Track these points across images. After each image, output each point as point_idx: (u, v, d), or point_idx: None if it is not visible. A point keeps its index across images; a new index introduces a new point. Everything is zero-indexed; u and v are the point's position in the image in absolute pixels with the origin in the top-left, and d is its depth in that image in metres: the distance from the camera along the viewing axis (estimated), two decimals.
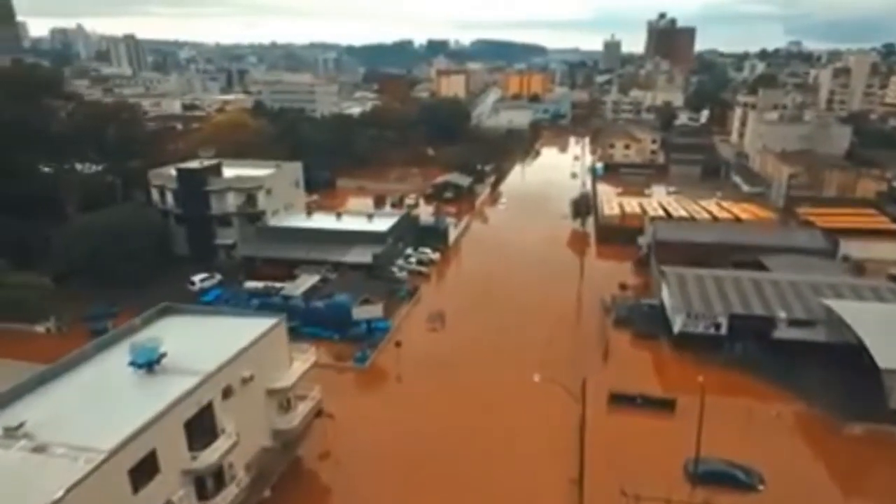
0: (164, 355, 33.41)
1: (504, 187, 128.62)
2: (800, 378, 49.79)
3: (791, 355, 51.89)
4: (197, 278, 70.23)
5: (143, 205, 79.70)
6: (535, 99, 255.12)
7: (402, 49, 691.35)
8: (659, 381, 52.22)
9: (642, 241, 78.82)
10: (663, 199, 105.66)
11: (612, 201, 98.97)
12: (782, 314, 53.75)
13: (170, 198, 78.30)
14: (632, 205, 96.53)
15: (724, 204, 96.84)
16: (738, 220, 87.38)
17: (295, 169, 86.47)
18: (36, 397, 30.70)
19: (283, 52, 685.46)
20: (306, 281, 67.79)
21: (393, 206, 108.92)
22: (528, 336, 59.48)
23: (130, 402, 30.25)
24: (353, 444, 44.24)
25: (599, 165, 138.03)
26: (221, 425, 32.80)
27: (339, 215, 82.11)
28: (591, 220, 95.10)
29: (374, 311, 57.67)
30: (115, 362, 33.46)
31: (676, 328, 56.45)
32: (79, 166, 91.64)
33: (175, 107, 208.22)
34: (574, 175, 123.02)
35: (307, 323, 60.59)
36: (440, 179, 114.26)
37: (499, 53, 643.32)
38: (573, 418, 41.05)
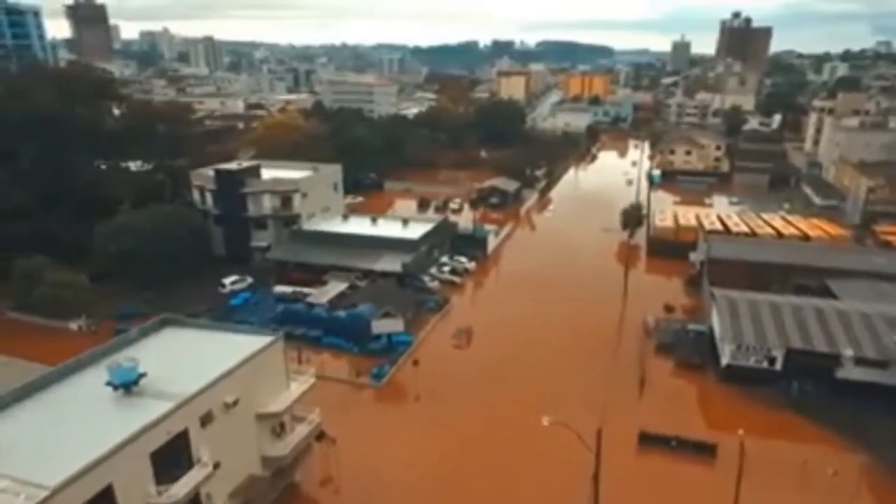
0: (142, 376, 31.06)
1: (554, 193, 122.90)
2: (867, 427, 43.06)
3: (857, 399, 45.10)
4: (227, 281, 69.08)
5: (184, 204, 79.37)
6: (595, 101, 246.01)
7: (466, 50, 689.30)
8: (700, 420, 46.40)
9: (694, 257, 72.11)
10: (724, 210, 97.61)
11: (665, 212, 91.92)
12: (849, 351, 46.79)
13: (209, 198, 77.69)
14: (687, 216, 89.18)
15: (791, 218, 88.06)
16: (805, 237, 78.88)
17: (334, 171, 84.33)
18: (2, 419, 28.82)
19: (352, 52, 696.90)
20: (333, 288, 65.25)
21: (436, 210, 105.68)
22: (558, 359, 54.67)
23: (98, 429, 27.90)
24: (357, 469, 40.99)
25: (657, 172, 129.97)
26: (198, 454, 30.09)
27: (374, 220, 79.33)
28: (643, 232, 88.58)
29: (395, 324, 54.33)
30: (94, 381, 31.29)
31: (724, 360, 50.31)
32: (132, 165, 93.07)
33: (238, 106, 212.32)
34: (629, 182, 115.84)
35: (329, 333, 58.10)
36: (485, 184, 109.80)
37: (564, 54, 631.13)
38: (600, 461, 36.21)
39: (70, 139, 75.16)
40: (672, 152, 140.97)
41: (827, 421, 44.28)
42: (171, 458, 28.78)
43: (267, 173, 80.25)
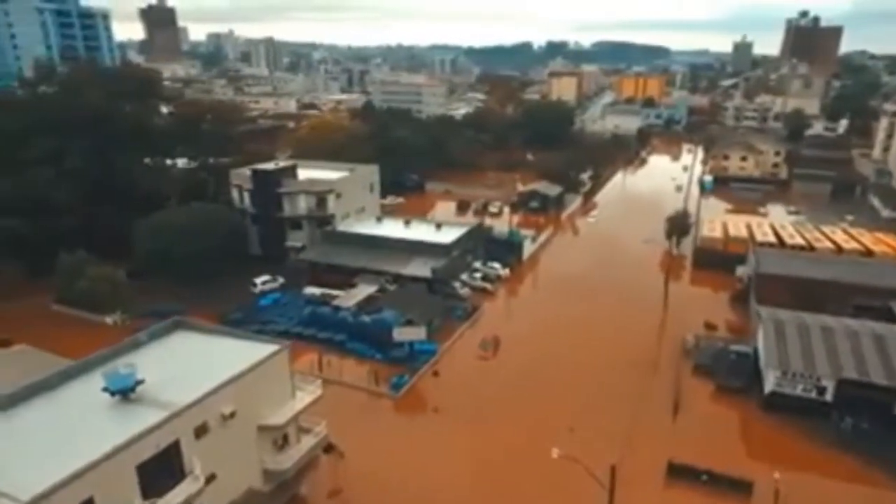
0: (140, 382, 30.12)
1: (599, 197, 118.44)
2: None
3: None
4: (259, 280, 68.80)
5: (222, 203, 79.62)
6: (649, 103, 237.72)
7: (520, 51, 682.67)
8: (736, 452, 42.36)
9: (742, 271, 67.18)
10: (779, 220, 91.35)
11: (714, 221, 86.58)
12: None
13: (247, 197, 77.79)
14: (738, 226, 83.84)
15: (854, 232, 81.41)
16: (868, 252, 72.53)
17: (370, 172, 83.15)
18: None
19: (407, 53, 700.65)
20: (361, 292, 63.93)
21: (475, 213, 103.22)
22: (588, 376, 51.50)
23: (87, 438, 26.98)
24: (366, 482, 39.33)
25: (709, 178, 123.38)
26: (190, 467, 28.89)
27: (407, 223, 77.66)
28: (690, 241, 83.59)
29: (417, 333, 52.34)
30: (96, 385, 30.51)
31: (767, 387, 46.03)
32: (179, 163, 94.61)
33: (291, 106, 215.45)
34: (678, 188, 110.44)
35: (352, 338, 56.74)
36: (527, 188, 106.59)
37: (619, 55, 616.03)
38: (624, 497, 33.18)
39: (117, 137, 76.66)
40: (726, 157, 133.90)
41: (881, 463, 39.69)
42: (161, 470, 27.65)
43: (304, 173, 79.83)
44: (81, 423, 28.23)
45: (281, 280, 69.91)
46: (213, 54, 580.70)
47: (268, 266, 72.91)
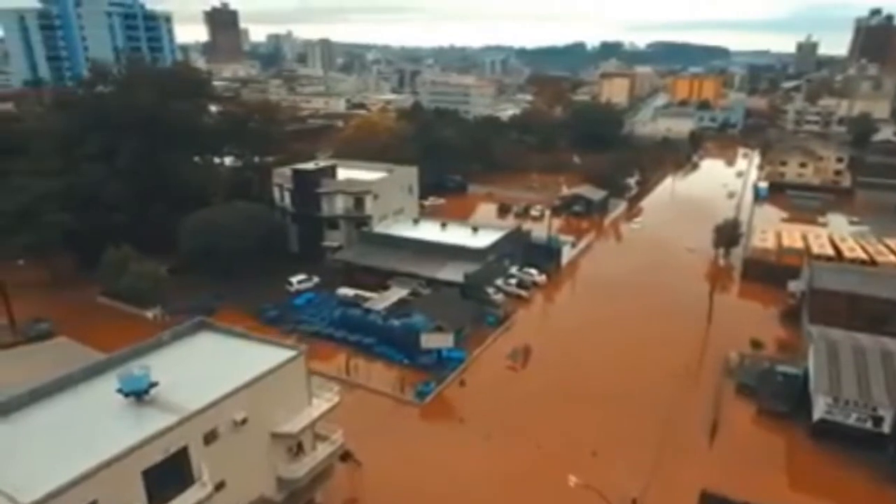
0: (154, 384, 29.80)
1: (646, 203, 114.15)
2: None
3: None
4: (295, 279, 68.90)
5: (264, 202, 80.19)
6: (704, 105, 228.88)
7: (573, 51, 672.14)
8: (778, 484, 39.20)
9: (795, 286, 62.76)
10: (839, 232, 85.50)
11: (767, 231, 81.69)
12: None
13: (287, 196, 78.19)
14: (793, 236, 78.90)
15: None
16: None
17: (409, 173, 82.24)
18: (4, 424, 28.35)
19: (459, 54, 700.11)
20: (393, 295, 63.05)
21: (516, 216, 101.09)
22: (621, 392, 48.94)
23: (96, 440, 26.70)
24: (384, 492, 38.36)
25: (763, 185, 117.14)
26: (199, 473, 28.37)
27: (444, 225, 76.35)
28: (741, 252, 79.12)
29: (445, 340, 50.99)
30: (110, 386, 30.39)
31: (816, 413, 42.49)
32: (227, 161, 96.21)
33: (340, 106, 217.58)
34: (730, 195, 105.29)
35: (381, 341, 55.87)
36: (570, 191, 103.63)
37: (675, 56, 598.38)
38: None
39: (167, 136, 78.28)
40: (784, 163, 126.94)
41: None
42: (168, 476, 27.18)
43: (343, 174, 79.69)
44: (92, 425, 28.05)
45: (316, 280, 69.83)
46: (271, 55, 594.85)
47: (305, 265, 73.06)
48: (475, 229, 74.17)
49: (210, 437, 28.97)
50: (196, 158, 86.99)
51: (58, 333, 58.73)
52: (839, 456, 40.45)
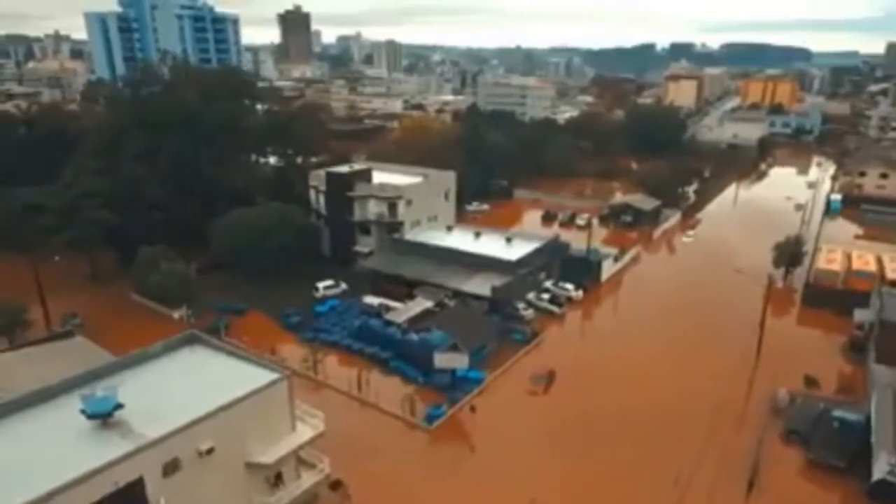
0: (119, 406, 27.89)
1: (704, 214, 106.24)
2: None
3: None
4: (321, 285, 67.01)
5: (298, 204, 78.79)
6: (777, 110, 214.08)
7: (641, 53, 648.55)
8: None
9: (861, 316, 55.31)
10: None
11: (835, 251, 73.38)
12: None
13: (322, 199, 76.69)
14: (865, 258, 70.45)
15: None
16: None
17: (445, 178, 78.97)
18: None
19: (525, 55, 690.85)
20: (416, 306, 59.93)
21: (561, 225, 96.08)
22: (649, 430, 43.91)
23: (49, 467, 24.89)
24: None
25: (836, 197, 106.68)
26: None
27: (477, 234, 72.58)
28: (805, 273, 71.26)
29: (459, 360, 47.38)
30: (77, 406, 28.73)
31: (877, 473, 36.25)
32: (272, 161, 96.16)
33: (397, 106, 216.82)
34: (798, 207, 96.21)
35: (398, 356, 52.95)
36: (619, 200, 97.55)
37: (751, 58, 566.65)
38: None
39: (209, 136, 78.40)
40: (862, 174, 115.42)
41: None
42: None
43: (380, 177, 77.41)
44: (45, 451, 26.42)
45: (344, 286, 67.75)
46: (339, 56, 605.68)
47: (337, 269, 71.27)
48: (509, 239, 70.05)
49: (171, 468, 26.85)
50: (238, 159, 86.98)
51: (88, 330, 59.34)
52: None
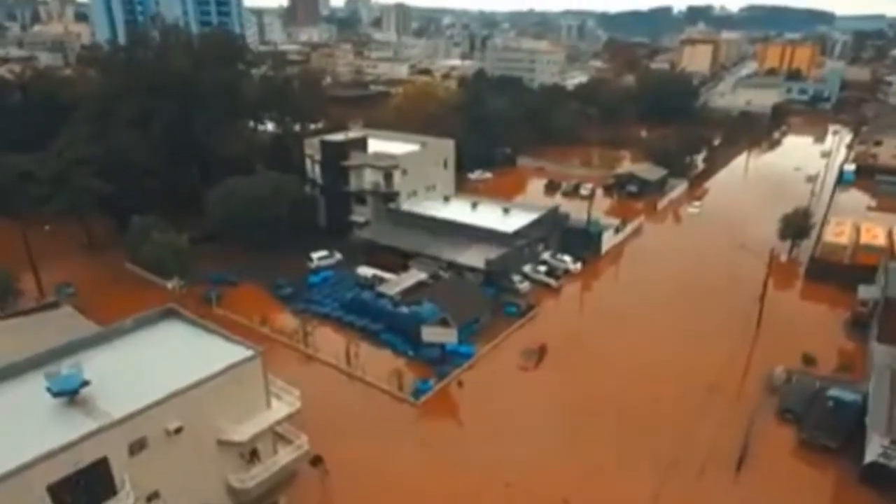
0: (86, 384, 27.29)
1: (712, 183, 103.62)
2: None
3: None
4: (315, 255, 66.16)
5: (293, 173, 77.27)
6: (795, 76, 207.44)
7: (657, 16, 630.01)
8: None
9: (866, 292, 53.61)
10: None
11: (843, 223, 71.14)
12: None
13: (317, 168, 75.26)
14: (874, 231, 68.27)
15: None
16: None
17: (444, 147, 77.03)
18: None
19: (538, 18, 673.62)
20: (410, 278, 59.03)
21: (564, 195, 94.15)
22: (640, 406, 43.10)
23: (8, 447, 24.28)
24: (360, 498, 35.13)
25: (850, 168, 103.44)
26: (123, 484, 25.80)
27: (474, 205, 70.98)
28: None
29: (447, 335, 46.60)
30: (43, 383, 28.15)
31: (869, 455, 35.27)
32: (269, 128, 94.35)
33: (402, 71, 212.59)
34: (809, 178, 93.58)
35: (389, 329, 52.27)
36: (624, 169, 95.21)
37: (772, 21, 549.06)
38: None
39: (202, 102, 76.60)
40: (878, 143, 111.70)
41: None
42: (83, 488, 24.74)
43: (376, 146, 75.72)
44: (9, 429, 25.74)
45: (338, 256, 66.87)
46: (348, 19, 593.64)
47: (332, 240, 70.26)
48: (507, 210, 68.46)
49: (137, 447, 26.27)
50: (235, 126, 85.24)
51: (81, 299, 59.23)
52: None
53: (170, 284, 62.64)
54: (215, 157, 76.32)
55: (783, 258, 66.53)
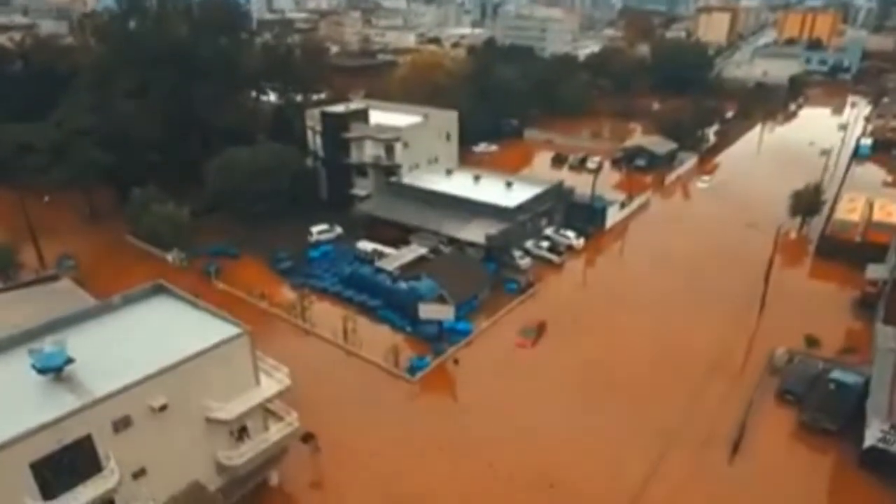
0: (70, 361, 27.13)
1: (723, 157, 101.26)
2: None
3: None
4: (315, 229, 65.55)
5: (294, 145, 76.13)
6: (815, 45, 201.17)
7: None
8: None
9: (875, 272, 52.20)
10: None
11: (856, 199, 69.22)
12: None
13: (318, 140, 74.19)
14: (888, 208, 66.38)
15: None
16: None
17: (447, 119, 75.49)
18: None
19: None
20: (410, 253, 58.40)
21: (571, 168, 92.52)
22: (636, 386, 42.64)
23: None
24: (355, 474, 35.27)
25: (866, 142, 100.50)
26: (107, 462, 25.80)
27: (476, 178, 69.70)
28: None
29: (444, 312, 46.07)
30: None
31: (868, 439, 34.60)
32: (273, 99, 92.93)
33: (410, 40, 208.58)
34: (824, 152, 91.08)
35: (387, 305, 51.87)
36: (632, 142, 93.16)
37: None
38: None
39: (201, 71, 75.32)
40: None
41: None
42: (67, 466, 24.75)
43: (380, 117, 74.42)
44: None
45: (339, 230, 66.24)
46: None
47: (334, 213, 69.52)
48: (509, 184, 67.18)
49: (122, 425, 26.19)
50: (235, 96, 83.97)
51: (82, 271, 59.31)
52: (890, 494, 32.86)
53: (170, 257, 62.46)
54: (215, 129, 75.38)
55: (793, 235, 65.07)
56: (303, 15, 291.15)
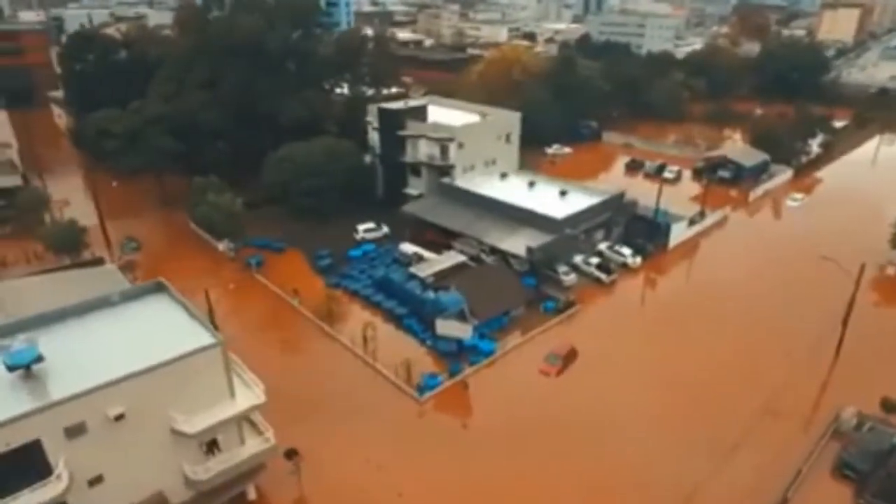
0: (39, 359, 26.66)
1: (826, 173, 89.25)
2: None
3: None
4: (362, 227, 64.20)
5: (352, 140, 74.74)
6: None
7: None
8: None
9: None
10: None
11: None
12: None
13: (376, 137, 72.66)
14: None
15: None
16: None
17: (508, 119, 71.25)
18: None
19: None
20: (449, 259, 55.25)
21: (646, 176, 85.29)
22: (671, 431, 37.20)
23: None
24: (341, 495, 33.13)
25: None
26: (58, 468, 25.09)
27: (531, 184, 65.08)
28: None
29: (462, 330, 42.76)
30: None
31: None
32: (345, 91, 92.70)
33: (502, 35, 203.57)
34: None
35: (412, 313, 49.24)
36: (716, 152, 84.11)
37: None
38: None
39: (272, 64, 75.94)
40: None
41: None
42: (13, 468, 24.16)
43: (439, 115, 71.65)
44: None
45: (385, 230, 64.50)
46: None
47: (385, 212, 67.75)
48: (564, 192, 62.12)
49: (75, 431, 25.34)
50: (304, 89, 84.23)
51: (143, 253, 61.81)
52: None
53: (221, 246, 63.33)
54: (282, 122, 75.75)
55: (891, 272, 55.34)
56: (403, 8, 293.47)
